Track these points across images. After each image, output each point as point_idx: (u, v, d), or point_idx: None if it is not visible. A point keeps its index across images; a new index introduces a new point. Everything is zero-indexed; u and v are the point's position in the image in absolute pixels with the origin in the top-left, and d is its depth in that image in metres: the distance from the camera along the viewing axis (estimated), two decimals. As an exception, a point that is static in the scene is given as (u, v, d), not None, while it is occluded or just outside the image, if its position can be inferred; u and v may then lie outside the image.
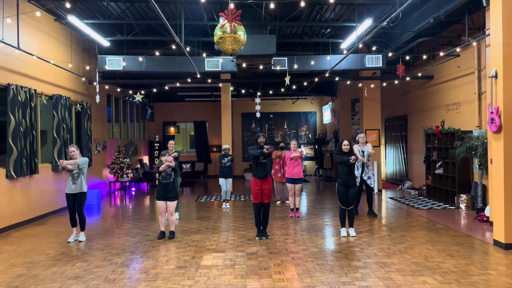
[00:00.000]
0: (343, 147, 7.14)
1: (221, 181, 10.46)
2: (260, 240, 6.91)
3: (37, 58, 8.43)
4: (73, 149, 7.06)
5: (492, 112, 6.42)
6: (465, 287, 4.62)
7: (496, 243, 6.36)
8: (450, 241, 6.64)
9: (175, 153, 8.40)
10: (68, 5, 7.81)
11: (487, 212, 8.06)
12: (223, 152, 10.47)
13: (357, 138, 9.13)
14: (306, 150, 20.20)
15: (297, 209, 9.00)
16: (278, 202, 10.91)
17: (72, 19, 8.21)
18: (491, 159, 6.68)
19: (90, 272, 5.31)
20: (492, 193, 6.74)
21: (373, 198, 9.14)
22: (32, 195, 8.82)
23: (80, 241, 6.99)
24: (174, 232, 7.22)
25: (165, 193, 7.07)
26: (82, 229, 7.16)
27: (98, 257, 6.03)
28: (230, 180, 10.50)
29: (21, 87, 8.27)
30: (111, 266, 5.56)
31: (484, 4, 7.19)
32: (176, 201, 7.22)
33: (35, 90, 8.85)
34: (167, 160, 6.96)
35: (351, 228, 7.19)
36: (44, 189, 9.32)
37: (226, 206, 10.45)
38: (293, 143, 9.08)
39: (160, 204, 7.14)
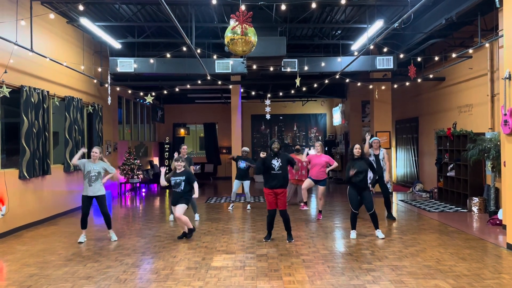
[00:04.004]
0: (354, 150, 7.14)
1: (236, 182, 10.43)
2: (270, 241, 6.89)
3: (50, 60, 8.53)
4: (96, 150, 7.18)
5: (505, 114, 6.34)
6: (478, 291, 4.56)
7: (510, 246, 6.27)
8: (462, 245, 6.56)
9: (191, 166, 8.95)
10: (81, 8, 7.90)
11: (500, 215, 7.96)
12: (242, 154, 10.53)
13: (370, 141, 8.99)
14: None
15: (320, 211, 9.07)
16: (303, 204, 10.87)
17: (85, 21, 8.30)
18: (504, 162, 6.59)
19: (102, 272, 5.35)
20: (505, 196, 6.65)
21: (391, 202, 9.11)
22: (45, 196, 8.92)
23: (114, 241, 7.10)
24: (185, 233, 7.19)
25: (174, 199, 7.09)
26: (110, 227, 7.25)
27: (109, 257, 6.07)
28: (247, 182, 10.50)
29: (34, 88, 8.37)
30: (122, 267, 5.59)
31: (497, 5, 7.11)
32: (181, 205, 6.99)
33: (47, 91, 8.95)
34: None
35: (378, 230, 7.17)
36: (56, 189, 9.41)
37: (248, 208, 10.46)
38: (317, 144, 9.12)
39: (173, 207, 7.16)
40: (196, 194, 7.12)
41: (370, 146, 8.95)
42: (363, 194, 7.06)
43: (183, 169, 7.10)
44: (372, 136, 9.49)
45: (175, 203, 7.05)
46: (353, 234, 7.15)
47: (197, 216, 9.06)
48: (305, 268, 5.42)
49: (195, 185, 7.09)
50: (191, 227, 7.17)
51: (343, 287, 4.70)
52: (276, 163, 6.82)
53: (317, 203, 9.13)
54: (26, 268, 5.60)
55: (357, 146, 7.16)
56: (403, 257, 5.88)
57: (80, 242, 7.01)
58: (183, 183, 7.00)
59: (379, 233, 7.13)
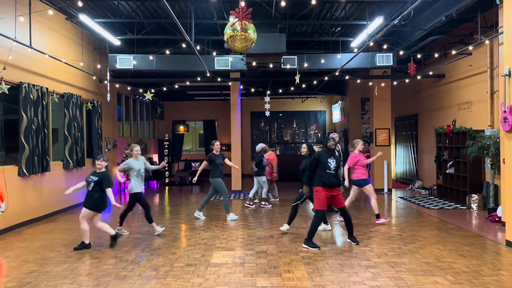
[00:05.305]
0: (302, 150, 7.66)
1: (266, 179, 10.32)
2: (271, 238, 6.89)
3: (49, 56, 8.51)
4: (138, 148, 7.31)
5: (505, 111, 6.34)
6: (477, 288, 4.57)
7: (509, 243, 6.29)
8: (461, 241, 6.57)
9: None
10: (80, 4, 7.87)
11: (499, 212, 7.97)
12: (262, 151, 10.39)
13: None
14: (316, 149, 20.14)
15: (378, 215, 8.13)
16: (257, 201, 10.73)
17: (84, 18, 8.27)
18: (504, 159, 6.60)
19: (101, 269, 5.35)
20: (504, 193, 6.66)
21: None
22: (44, 193, 8.91)
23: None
24: (113, 239, 6.43)
25: (84, 200, 6.41)
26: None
27: (109, 254, 6.07)
28: None
29: (33, 85, 8.35)
30: (122, 263, 5.59)
31: (497, 2, 7.10)
32: (83, 209, 6.30)
33: (46, 88, 8.93)
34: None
35: (286, 224, 7.47)
36: (55, 186, 9.40)
37: (251, 205, 10.33)
38: (360, 144, 8.18)
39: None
40: (113, 202, 6.24)
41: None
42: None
43: (104, 169, 6.39)
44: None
45: (84, 204, 6.38)
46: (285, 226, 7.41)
47: (232, 216, 8.61)
48: (304, 265, 5.43)
49: (109, 191, 6.29)
50: (87, 241, 6.37)
51: (343, 284, 4.71)
52: (332, 162, 6.48)
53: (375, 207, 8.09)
54: (26, 265, 5.60)
55: (304, 145, 7.66)
56: (402, 254, 5.89)
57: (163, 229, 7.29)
58: (92, 184, 6.27)
59: (285, 226, 7.39)
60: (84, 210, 6.34)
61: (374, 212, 8.05)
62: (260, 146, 10.51)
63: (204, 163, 8.76)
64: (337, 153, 8.49)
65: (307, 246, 6.28)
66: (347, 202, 7.81)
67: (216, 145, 8.76)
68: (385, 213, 9.00)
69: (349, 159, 8.02)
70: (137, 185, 7.13)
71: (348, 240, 6.60)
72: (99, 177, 6.31)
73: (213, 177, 8.60)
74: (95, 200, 6.31)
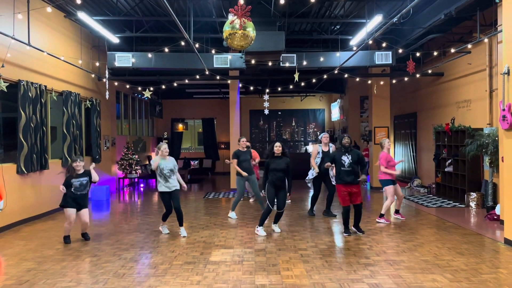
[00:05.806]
0: (275, 148, 6.98)
1: None
2: (268, 237, 6.91)
3: (48, 54, 8.48)
4: (166, 146, 7.09)
5: (504, 110, 6.35)
6: (475, 286, 4.58)
7: (507, 241, 6.30)
8: (460, 239, 6.58)
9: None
10: (78, 1, 7.84)
11: (497, 210, 7.98)
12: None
13: (319, 138, 8.80)
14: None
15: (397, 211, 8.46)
16: (252, 200, 10.84)
17: (82, 15, 8.25)
18: (502, 157, 6.61)
19: (100, 267, 5.35)
20: (503, 191, 6.67)
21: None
22: (42, 191, 8.90)
23: (184, 237, 6.94)
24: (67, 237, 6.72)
25: (77, 203, 6.59)
26: (182, 224, 7.08)
27: (108, 252, 6.07)
28: None
29: (32, 83, 8.33)
30: (121, 261, 5.59)
31: (497, 0, 7.10)
32: (87, 210, 6.69)
33: (45, 86, 8.91)
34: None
35: (275, 224, 7.31)
36: (54, 184, 9.38)
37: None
38: (388, 142, 8.12)
39: (70, 211, 6.55)
40: (96, 178, 6.73)
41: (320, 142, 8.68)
42: (279, 192, 7.01)
43: (83, 169, 6.65)
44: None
45: (80, 208, 6.61)
46: (262, 230, 7.07)
47: (233, 214, 8.53)
48: (303, 263, 5.43)
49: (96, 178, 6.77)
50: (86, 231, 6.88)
51: (341, 282, 4.72)
52: (346, 159, 6.86)
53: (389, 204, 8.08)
54: (24, 263, 5.59)
55: (277, 144, 7.01)
56: (401, 252, 5.90)
57: (167, 233, 7.20)
58: (89, 184, 6.70)
59: (275, 227, 7.28)
60: (86, 211, 6.74)
61: (381, 211, 8.05)
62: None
63: (233, 161, 8.61)
64: (331, 150, 8.55)
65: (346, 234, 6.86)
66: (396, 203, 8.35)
67: (242, 142, 8.71)
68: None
69: (382, 159, 7.98)
70: (160, 184, 7.01)
71: (353, 228, 7.00)
72: (88, 175, 6.74)
73: (236, 175, 8.59)
74: (88, 197, 6.88)
